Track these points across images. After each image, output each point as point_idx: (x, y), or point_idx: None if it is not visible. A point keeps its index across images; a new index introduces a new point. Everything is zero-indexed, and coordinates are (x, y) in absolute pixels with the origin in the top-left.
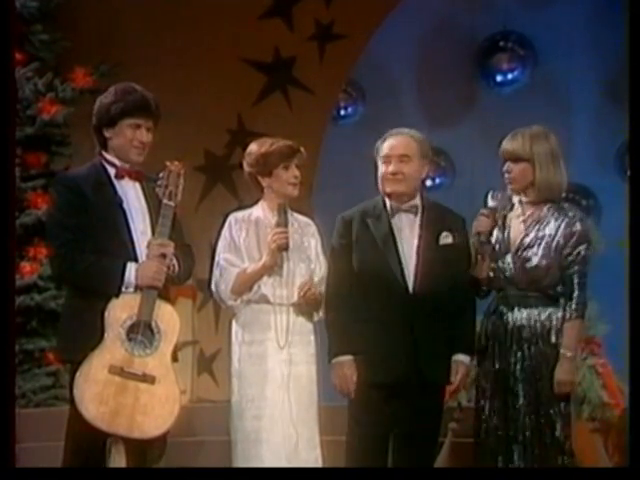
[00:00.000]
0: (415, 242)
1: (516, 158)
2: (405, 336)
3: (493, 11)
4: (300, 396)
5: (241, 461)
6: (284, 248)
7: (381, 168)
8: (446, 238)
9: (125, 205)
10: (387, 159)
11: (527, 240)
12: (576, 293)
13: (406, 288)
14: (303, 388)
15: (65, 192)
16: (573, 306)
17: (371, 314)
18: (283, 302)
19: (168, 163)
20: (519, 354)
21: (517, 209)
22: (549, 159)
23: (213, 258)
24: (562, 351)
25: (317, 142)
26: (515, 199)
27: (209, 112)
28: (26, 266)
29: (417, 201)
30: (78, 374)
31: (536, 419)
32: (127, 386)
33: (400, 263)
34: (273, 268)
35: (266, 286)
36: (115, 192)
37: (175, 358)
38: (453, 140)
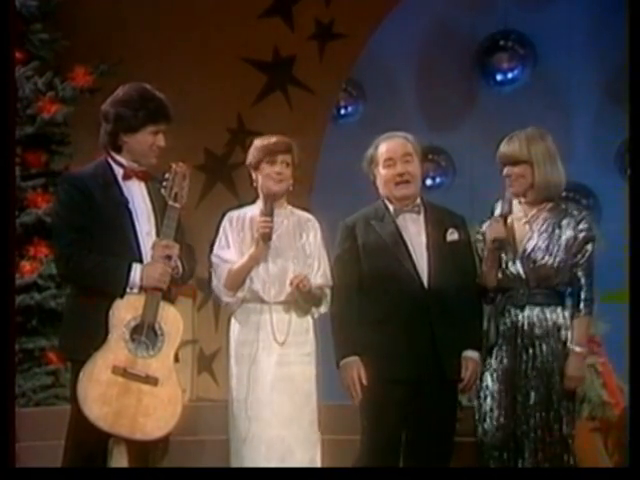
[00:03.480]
0: (423, 240)
1: (515, 161)
2: (424, 332)
3: (493, 10)
4: (293, 397)
5: (235, 461)
6: (267, 238)
7: (384, 172)
8: (452, 235)
9: (131, 206)
10: (390, 162)
11: (534, 241)
12: (585, 290)
13: (421, 284)
14: (296, 388)
15: (71, 191)
16: (582, 303)
17: (387, 313)
18: (277, 299)
19: (173, 165)
20: (530, 352)
21: (518, 211)
22: (546, 159)
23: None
24: (572, 347)
25: (317, 141)
26: (514, 201)
27: (209, 111)
28: (26, 265)
29: (419, 200)
30: (82, 374)
31: (546, 417)
32: (130, 387)
33: (412, 260)
34: (260, 259)
35: (258, 281)
36: (121, 192)
37: (176, 359)
38: (453, 139)
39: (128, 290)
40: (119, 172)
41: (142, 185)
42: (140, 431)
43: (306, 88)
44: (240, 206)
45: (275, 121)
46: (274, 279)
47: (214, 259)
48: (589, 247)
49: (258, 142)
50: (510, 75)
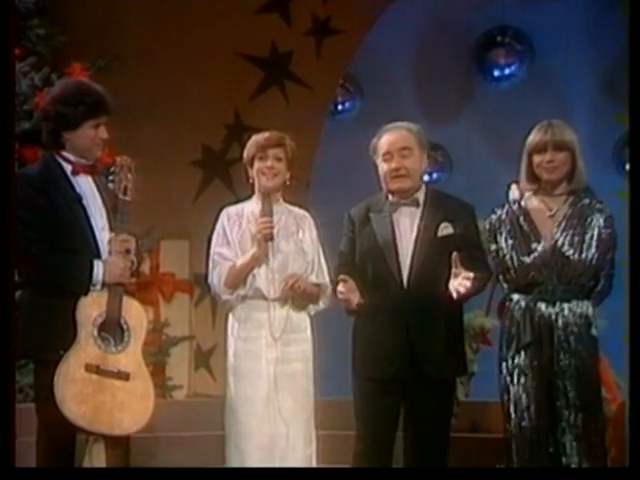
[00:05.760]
0: (414, 236)
1: (561, 146)
2: (400, 333)
3: (490, 6)
4: (295, 394)
5: (233, 457)
6: (269, 238)
7: (383, 166)
8: (445, 229)
9: (84, 201)
10: (388, 155)
11: (563, 237)
12: (609, 284)
13: (401, 284)
14: (299, 386)
15: (27, 190)
16: (600, 295)
17: (368, 309)
18: (276, 295)
19: (118, 158)
20: (567, 349)
21: (538, 203)
22: (580, 149)
23: (209, 253)
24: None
25: (314, 137)
26: (527, 193)
27: (206, 107)
28: None
29: (419, 194)
30: (57, 375)
31: (586, 414)
32: (104, 384)
33: (397, 259)
34: (262, 259)
35: (261, 278)
36: (73, 188)
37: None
38: (450, 135)
39: (91, 287)
40: (68, 168)
41: (90, 180)
42: (118, 427)
43: (303, 84)
44: (237, 202)
45: (272, 117)
46: (275, 276)
47: (215, 256)
48: (615, 244)
49: (252, 138)
50: (507, 71)
